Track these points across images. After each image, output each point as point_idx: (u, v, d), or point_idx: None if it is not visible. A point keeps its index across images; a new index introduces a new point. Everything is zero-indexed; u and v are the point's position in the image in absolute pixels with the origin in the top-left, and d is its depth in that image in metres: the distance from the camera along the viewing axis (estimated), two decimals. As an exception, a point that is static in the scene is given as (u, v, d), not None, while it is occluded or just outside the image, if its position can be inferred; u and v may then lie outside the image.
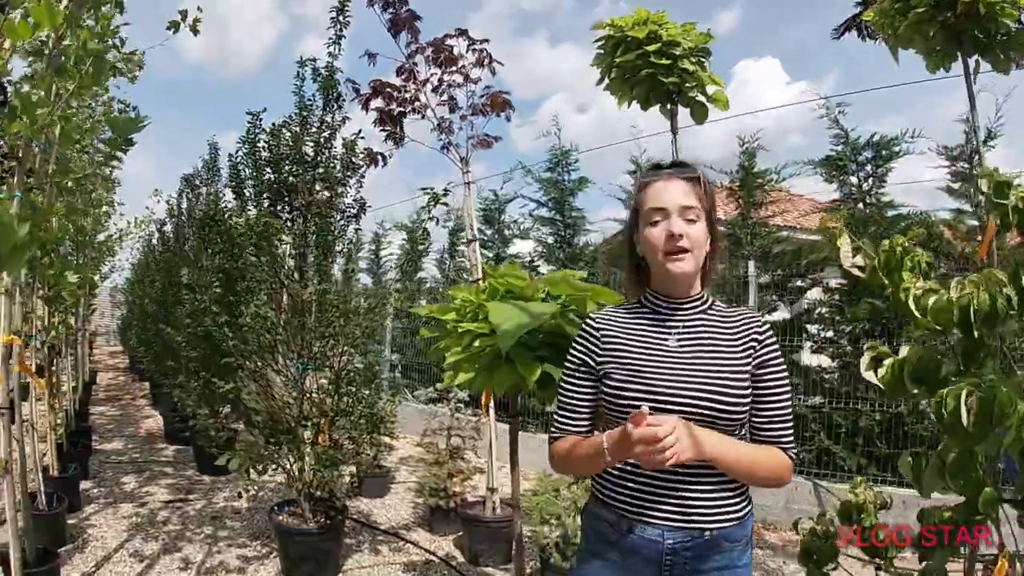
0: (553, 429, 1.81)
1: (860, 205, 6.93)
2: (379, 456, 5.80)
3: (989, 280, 1.73)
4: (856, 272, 2.07)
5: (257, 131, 4.33)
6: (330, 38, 4.67)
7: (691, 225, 1.67)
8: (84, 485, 5.68)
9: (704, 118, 3.87)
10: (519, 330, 1.90)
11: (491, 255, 9.60)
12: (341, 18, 4.69)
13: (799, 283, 6.97)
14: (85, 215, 6.51)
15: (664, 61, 3.51)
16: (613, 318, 1.81)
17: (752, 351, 1.67)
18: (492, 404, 4.53)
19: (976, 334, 1.69)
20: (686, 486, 1.62)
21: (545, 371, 2.07)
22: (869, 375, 1.97)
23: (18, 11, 2.30)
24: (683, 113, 3.82)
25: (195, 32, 4.21)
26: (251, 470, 4.34)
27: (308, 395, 4.36)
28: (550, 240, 9.09)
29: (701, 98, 3.80)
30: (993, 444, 1.64)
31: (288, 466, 4.35)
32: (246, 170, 4.35)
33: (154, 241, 10.59)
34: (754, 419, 1.68)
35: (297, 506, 4.43)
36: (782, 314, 6.95)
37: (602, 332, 1.78)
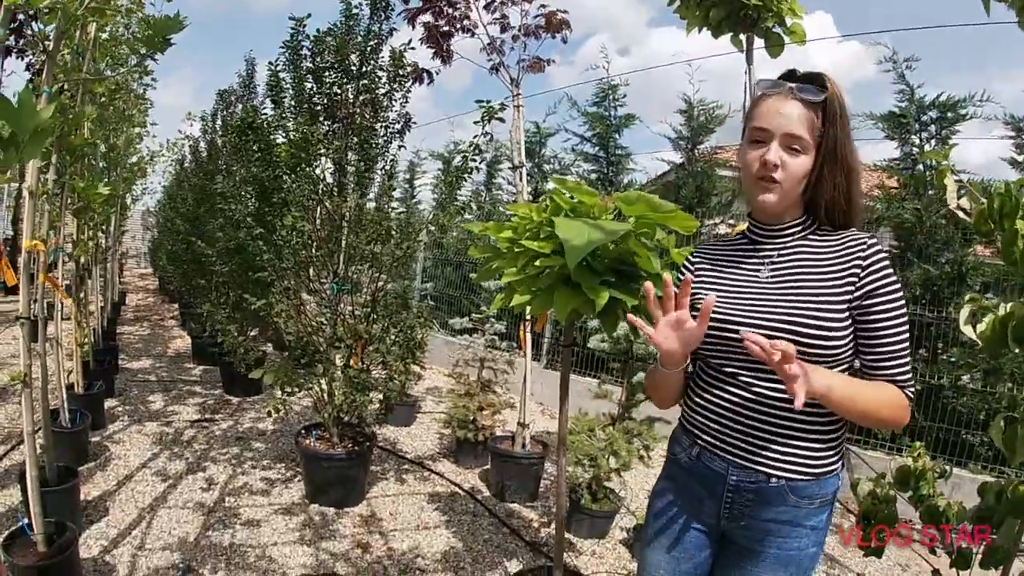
0: (652, 360, 1.68)
1: (920, 167, 6.61)
2: (407, 385, 5.71)
3: None
4: (961, 215, 1.85)
5: (300, 37, 4.09)
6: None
7: (793, 156, 1.50)
8: (109, 403, 5.65)
9: (780, 52, 3.60)
10: (590, 246, 1.69)
11: (530, 189, 9.34)
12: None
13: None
14: (117, 133, 6.36)
15: (747, -18, 3.25)
16: (711, 252, 1.73)
17: (855, 278, 1.47)
18: (529, 339, 4.37)
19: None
20: (761, 425, 1.50)
21: (613, 296, 1.89)
22: (967, 329, 1.77)
23: None
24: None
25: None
26: (281, 390, 4.25)
27: (342, 316, 4.23)
28: (592, 176, 8.78)
29: (778, 30, 3.55)
30: None
31: (318, 389, 4.25)
32: (287, 77, 4.13)
33: (186, 162, 10.50)
34: (864, 355, 1.49)
35: (324, 430, 4.35)
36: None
37: (696, 266, 1.73)
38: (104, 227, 7.05)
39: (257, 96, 7.40)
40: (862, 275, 1.47)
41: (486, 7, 4.74)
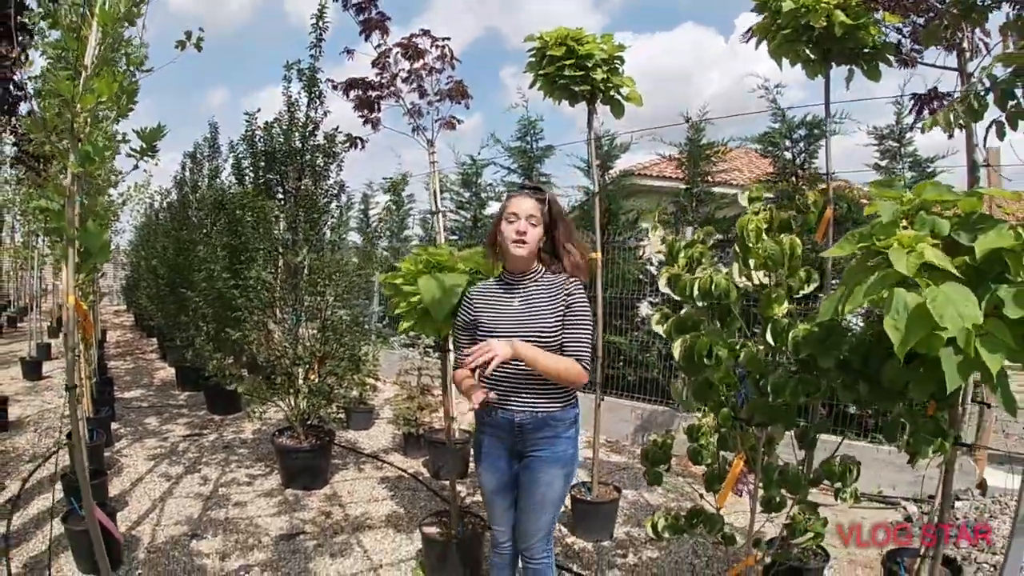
0: (455, 365, 2.83)
1: (794, 178, 7.70)
2: (364, 395, 6.85)
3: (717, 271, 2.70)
4: (661, 256, 3.03)
5: (253, 128, 5.29)
6: (311, 42, 5.59)
7: (532, 225, 2.69)
8: (113, 426, 6.72)
9: (621, 113, 4.79)
10: (437, 303, 3.00)
11: (469, 216, 10.42)
12: (320, 23, 5.61)
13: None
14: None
15: (577, 73, 4.39)
16: (483, 289, 2.88)
17: (564, 302, 2.69)
18: (445, 347, 5.51)
19: (703, 304, 2.66)
20: (524, 388, 2.69)
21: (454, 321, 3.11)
22: (657, 328, 2.94)
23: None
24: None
25: (199, 48, 5.05)
26: (254, 405, 5.43)
27: (301, 341, 5.39)
28: None
29: (618, 97, 4.72)
30: (714, 375, 2.63)
31: (286, 400, 5.40)
32: (245, 161, 5.34)
33: (155, 205, 11.57)
34: (563, 342, 2.67)
35: (294, 431, 5.50)
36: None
37: (475, 299, 2.85)
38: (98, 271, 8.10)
39: (220, 155, 8.63)
40: (568, 299, 2.70)
41: (404, 80, 5.90)
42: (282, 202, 5.34)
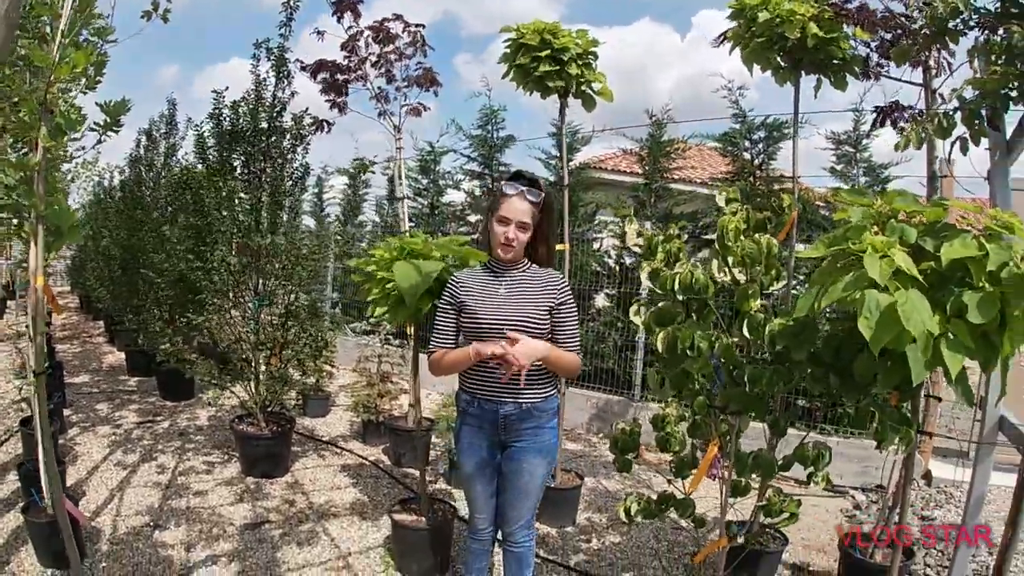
0: (431, 346, 2.85)
1: (751, 178, 7.87)
2: (321, 382, 6.81)
3: (696, 265, 2.80)
4: (637, 250, 3.12)
5: (221, 106, 5.20)
6: (281, 21, 5.52)
7: (522, 232, 2.74)
8: (65, 412, 6.49)
9: (592, 107, 4.83)
10: (414, 289, 3.00)
11: (426, 203, 10.35)
12: (291, 2, 5.54)
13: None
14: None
15: (552, 68, 4.43)
16: (469, 274, 2.90)
17: (554, 297, 2.74)
18: (415, 334, 5.52)
19: (682, 297, 2.76)
20: (511, 379, 2.70)
21: (434, 304, 3.11)
22: (636, 319, 3.04)
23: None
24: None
25: (165, 20, 4.94)
26: (213, 391, 5.36)
27: (263, 326, 5.34)
28: (477, 192, 9.85)
29: (590, 92, 4.78)
30: (692, 366, 2.75)
31: (247, 386, 5.34)
32: (210, 140, 5.24)
33: (106, 183, 11.22)
34: (557, 337, 2.74)
35: (254, 418, 5.43)
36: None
37: (460, 282, 2.85)
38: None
39: (178, 132, 8.44)
40: (558, 295, 2.75)
41: (373, 65, 5.86)
42: (247, 183, 5.27)
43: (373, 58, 5.81)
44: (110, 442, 5.89)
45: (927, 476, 5.68)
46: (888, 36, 3.47)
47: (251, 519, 4.46)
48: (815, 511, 5.10)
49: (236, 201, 5.12)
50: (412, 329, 5.62)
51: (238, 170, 5.28)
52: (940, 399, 4.49)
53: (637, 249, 3.13)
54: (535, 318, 2.69)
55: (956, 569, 2.92)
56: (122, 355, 9.37)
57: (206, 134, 5.27)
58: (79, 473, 5.12)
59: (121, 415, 6.76)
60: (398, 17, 5.85)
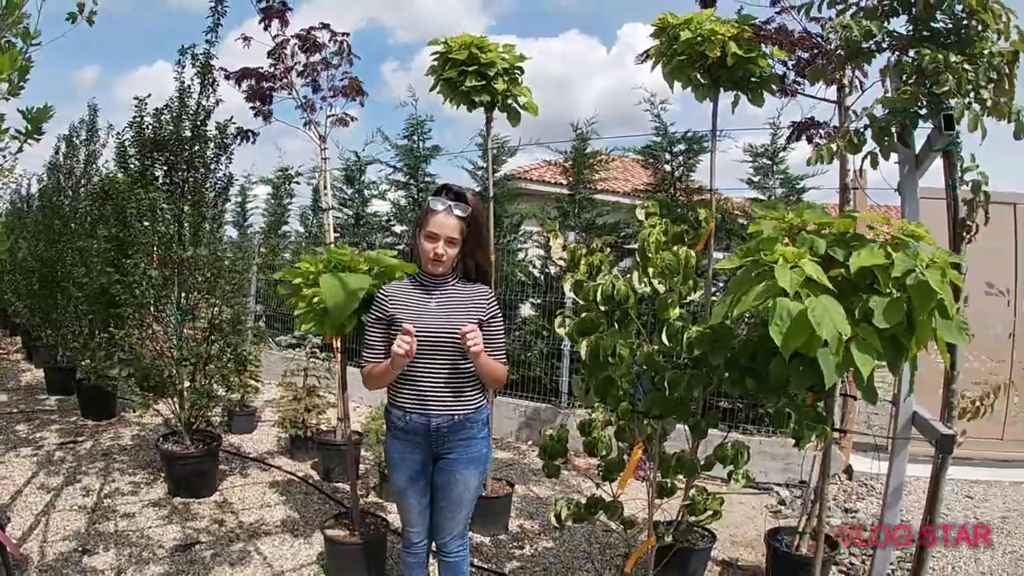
0: (363, 362, 2.85)
1: (672, 189, 8.01)
2: (246, 397, 6.68)
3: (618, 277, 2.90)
4: (561, 263, 3.19)
5: (143, 114, 5.08)
6: (208, 27, 5.41)
7: (451, 247, 2.76)
8: (-19, 435, 6.21)
9: (517, 122, 4.87)
10: (340, 309, 3.03)
11: (352, 213, 10.22)
12: (219, 7, 5.44)
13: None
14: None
15: (478, 82, 4.46)
16: (398, 287, 2.90)
17: (482, 310, 2.78)
18: (342, 347, 5.46)
19: (604, 307, 2.84)
20: (442, 390, 2.74)
21: (361, 320, 3.11)
22: (560, 330, 3.11)
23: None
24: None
25: (90, 23, 4.73)
26: (138, 408, 5.20)
27: (185, 341, 5.21)
28: (403, 203, 9.75)
29: (515, 106, 4.84)
30: (615, 372, 2.84)
31: (171, 403, 5.20)
32: (131, 148, 5.11)
33: (23, 191, 10.75)
34: (485, 348, 2.72)
35: (179, 436, 5.27)
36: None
37: (390, 297, 2.85)
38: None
39: (99, 139, 8.19)
40: (486, 309, 2.79)
41: (299, 74, 5.80)
42: (168, 193, 5.15)
43: (299, 67, 5.77)
44: (32, 464, 5.62)
45: (848, 470, 5.95)
46: (805, 55, 3.66)
47: (181, 540, 4.34)
48: (742, 508, 5.28)
49: (158, 212, 4.99)
50: (338, 342, 5.61)
51: (160, 179, 5.15)
52: (856, 397, 4.72)
53: (562, 263, 3.20)
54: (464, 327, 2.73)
55: (878, 564, 3.07)
56: (41, 373, 8.95)
57: (128, 142, 5.13)
58: (1, 498, 4.89)
59: (42, 436, 6.47)
60: (325, 26, 5.82)
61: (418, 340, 2.67)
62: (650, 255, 2.88)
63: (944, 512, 4.87)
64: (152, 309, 5.14)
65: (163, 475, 5.30)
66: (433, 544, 3.00)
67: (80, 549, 4.12)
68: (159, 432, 6.38)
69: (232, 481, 5.52)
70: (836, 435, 5.42)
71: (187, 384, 5.16)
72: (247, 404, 6.93)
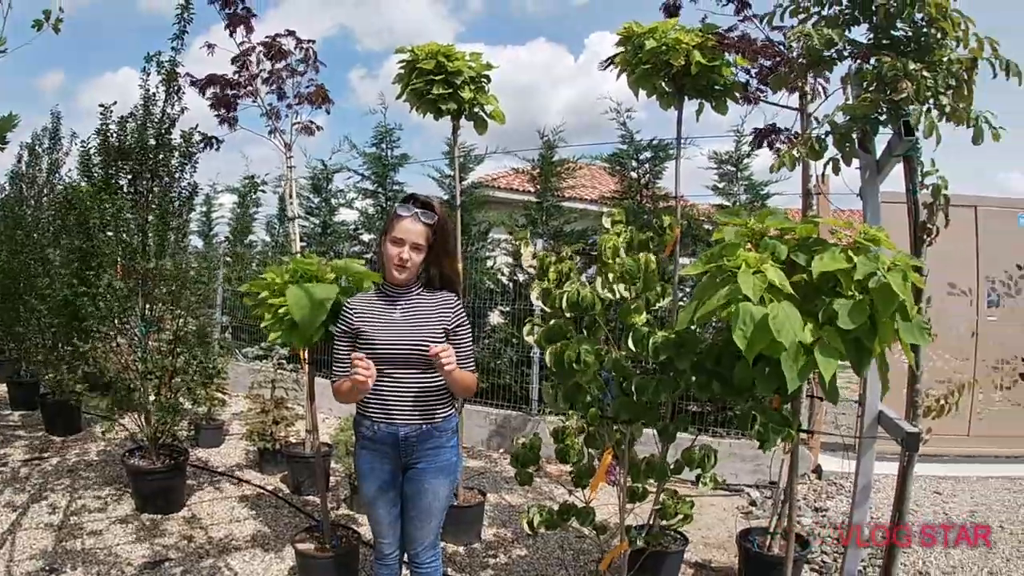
0: (333, 376, 2.82)
1: (638, 196, 7.98)
2: (213, 410, 6.59)
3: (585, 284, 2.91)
4: (531, 271, 3.20)
5: (108, 122, 5.01)
6: (174, 34, 5.37)
7: (416, 253, 2.75)
8: (-55, 452, 6.04)
9: (484, 130, 4.88)
10: (307, 321, 3.01)
11: (319, 222, 10.07)
12: (185, 14, 5.39)
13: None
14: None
15: (445, 91, 4.46)
16: (363, 300, 2.88)
17: (448, 319, 2.77)
18: (310, 358, 5.41)
19: (570, 314, 2.86)
20: (410, 401, 2.72)
21: (329, 330, 3.09)
22: (529, 338, 3.11)
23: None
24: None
25: (56, 31, 4.62)
26: (104, 423, 5.11)
27: (150, 353, 5.13)
28: (371, 211, 9.65)
29: (482, 114, 4.84)
30: (582, 379, 2.85)
31: (136, 416, 5.11)
32: (96, 157, 5.04)
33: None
34: (456, 358, 2.73)
35: (146, 451, 5.18)
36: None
37: (354, 310, 2.83)
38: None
39: (63, 147, 8.05)
40: (452, 317, 2.78)
41: (264, 81, 5.75)
42: (133, 203, 5.07)
43: (265, 74, 5.72)
44: (-5, 481, 5.52)
45: (817, 470, 6.03)
46: (768, 63, 3.70)
47: (150, 558, 4.25)
48: (713, 510, 5.32)
49: (122, 222, 4.92)
50: (306, 353, 5.55)
51: (125, 188, 5.08)
52: (823, 398, 4.78)
53: (531, 271, 3.20)
54: (432, 342, 2.69)
55: (849, 561, 3.11)
56: (3, 387, 8.77)
57: (92, 151, 5.06)
58: (-36, 518, 4.78)
59: (6, 452, 6.32)
60: (290, 33, 5.78)
61: (384, 353, 2.66)
62: (608, 261, 2.90)
63: (913, 508, 4.94)
64: (116, 321, 5.05)
65: (130, 491, 5.20)
66: (406, 555, 2.98)
67: (47, 568, 4.03)
68: (125, 447, 6.29)
69: (200, 496, 5.43)
70: (804, 435, 5.53)
71: (152, 398, 5.08)
72: (214, 417, 6.82)
